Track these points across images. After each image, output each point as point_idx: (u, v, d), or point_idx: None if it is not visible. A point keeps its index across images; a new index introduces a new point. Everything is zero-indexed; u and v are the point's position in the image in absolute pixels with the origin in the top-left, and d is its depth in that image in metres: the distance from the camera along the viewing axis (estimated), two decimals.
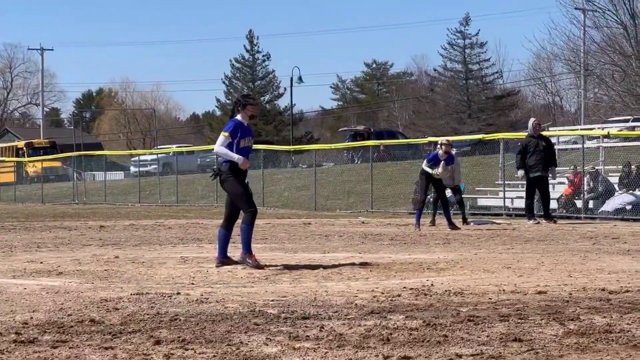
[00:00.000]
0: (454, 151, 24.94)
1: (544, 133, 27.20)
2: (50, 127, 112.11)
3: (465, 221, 24.37)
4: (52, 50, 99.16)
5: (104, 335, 7.73)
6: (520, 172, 25.15)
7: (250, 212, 13.39)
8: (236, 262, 13.22)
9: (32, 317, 8.66)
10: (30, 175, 64.87)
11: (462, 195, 26.82)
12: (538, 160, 24.64)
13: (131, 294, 10.15)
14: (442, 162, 22.81)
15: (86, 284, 11.23)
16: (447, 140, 24.31)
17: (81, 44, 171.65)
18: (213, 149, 13.79)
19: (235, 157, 13.31)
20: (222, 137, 13.49)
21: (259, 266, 13.03)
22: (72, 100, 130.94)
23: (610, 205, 26.75)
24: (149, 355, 6.95)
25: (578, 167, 28.72)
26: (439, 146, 23.59)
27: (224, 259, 13.36)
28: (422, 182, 23.44)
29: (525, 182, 25.46)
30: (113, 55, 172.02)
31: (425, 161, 23.37)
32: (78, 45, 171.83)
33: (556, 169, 25.91)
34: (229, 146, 13.42)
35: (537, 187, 24.91)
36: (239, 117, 13.62)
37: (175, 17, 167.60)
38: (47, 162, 62.67)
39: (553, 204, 26.47)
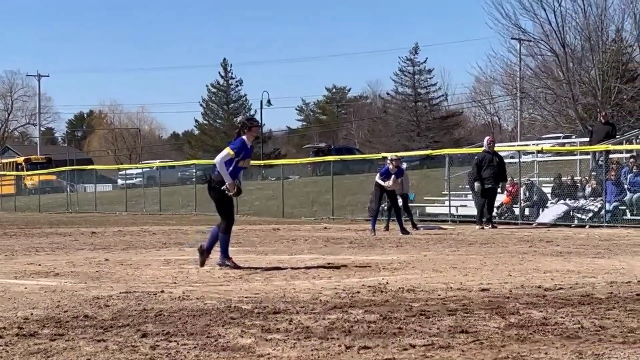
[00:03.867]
0: (404, 165, 24.99)
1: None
2: (47, 145, 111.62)
3: (414, 226, 24.41)
4: (48, 76, 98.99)
5: (97, 329, 7.67)
6: (477, 184, 25.23)
7: (228, 221, 13.29)
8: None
9: (32, 313, 8.59)
10: (28, 187, 64.48)
11: (411, 204, 26.87)
12: (491, 173, 24.78)
13: (120, 293, 10.08)
14: (393, 175, 22.86)
15: (80, 284, 11.15)
16: (397, 156, 24.39)
17: (74, 71, 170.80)
18: (214, 160, 13.35)
19: (228, 180, 13.07)
20: (227, 152, 13.14)
21: (236, 267, 12.98)
22: (65, 120, 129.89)
23: (547, 216, 26.82)
24: (136, 346, 6.90)
25: (515, 179, 28.81)
26: (389, 161, 23.63)
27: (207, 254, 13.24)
28: (376, 193, 23.56)
29: (478, 192, 25.49)
30: (102, 80, 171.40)
31: (378, 174, 23.42)
32: (71, 71, 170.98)
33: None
34: (230, 162, 13.12)
35: (486, 197, 24.99)
36: (244, 137, 13.30)
37: (158, 46, 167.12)
38: (43, 176, 62.34)
39: (494, 212, 26.54)
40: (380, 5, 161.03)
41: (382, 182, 22.93)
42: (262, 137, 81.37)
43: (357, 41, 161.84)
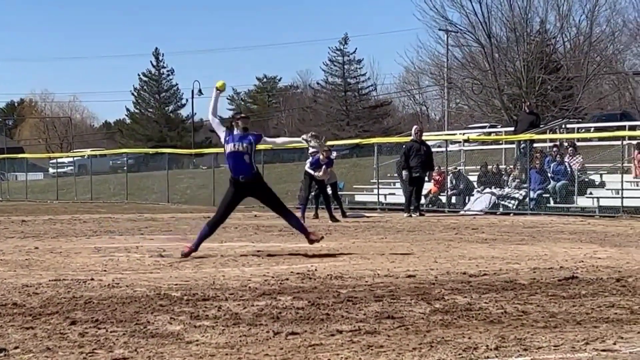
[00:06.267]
0: (334, 154, 25.01)
1: None
2: None
3: (344, 215, 24.45)
4: None
5: (25, 316, 7.58)
6: (405, 173, 25.35)
7: (218, 218, 13.21)
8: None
9: None
10: None
11: (341, 192, 26.90)
12: (418, 162, 24.92)
13: (49, 280, 9.97)
14: (323, 165, 22.86)
15: (9, 272, 11.00)
16: (327, 146, 24.35)
17: (4, 59, 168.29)
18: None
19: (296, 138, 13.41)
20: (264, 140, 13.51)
21: (184, 255, 12.79)
22: None
23: (477, 205, 27.04)
24: (65, 334, 6.83)
25: (442, 168, 29.00)
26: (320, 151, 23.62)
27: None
28: (306, 181, 23.57)
29: (406, 181, 25.62)
30: (33, 69, 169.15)
31: (308, 163, 23.42)
32: (1, 60, 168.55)
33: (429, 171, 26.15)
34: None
35: (414, 185, 25.12)
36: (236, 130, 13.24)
37: (90, 35, 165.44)
38: None
39: (421, 200, 26.71)
40: None
41: (312, 172, 22.93)
42: (193, 126, 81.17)
43: (287, 31, 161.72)
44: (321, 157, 23.00)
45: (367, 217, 24.79)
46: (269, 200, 13.44)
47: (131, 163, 51.28)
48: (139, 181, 45.07)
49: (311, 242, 13.14)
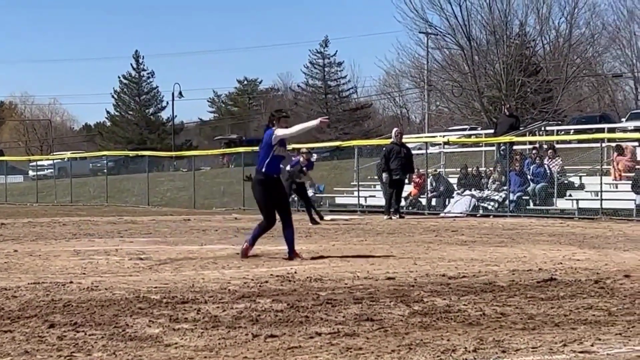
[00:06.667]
0: (314, 157, 25.04)
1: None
2: None
3: (321, 218, 24.31)
4: None
5: (4, 319, 7.55)
6: (385, 175, 25.40)
7: (267, 222, 13.17)
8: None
9: None
10: None
11: (321, 195, 26.91)
12: (398, 165, 24.93)
13: (28, 283, 9.93)
14: (304, 168, 22.86)
15: None
16: (307, 149, 24.39)
17: None
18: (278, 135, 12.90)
19: (311, 123, 13.29)
20: (276, 135, 12.89)
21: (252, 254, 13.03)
22: None
23: (457, 207, 27.11)
24: (44, 337, 6.81)
25: (421, 170, 29.06)
26: (300, 154, 23.65)
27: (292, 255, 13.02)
28: (286, 184, 23.46)
29: (386, 183, 25.66)
30: (13, 71, 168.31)
31: (289, 166, 23.35)
32: None
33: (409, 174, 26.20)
34: (268, 151, 12.87)
35: (394, 187, 25.14)
36: (274, 129, 13.01)
37: (69, 38, 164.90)
38: None
39: (402, 202, 26.75)
40: None
41: (291, 173, 22.92)
42: (173, 128, 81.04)
43: (268, 33, 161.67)
44: (301, 159, 23.01)
45: (346, 219, 24.74)
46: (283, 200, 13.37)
47: (111, 166, 51.24)
48: (119, 184, 44.98)
49: (290, 259, 12.99)
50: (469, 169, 28.84)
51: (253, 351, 6.30)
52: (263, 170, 12.94)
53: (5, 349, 6.39)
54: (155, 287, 9.61)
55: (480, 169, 29.42)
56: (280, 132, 12.89)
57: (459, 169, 29.71)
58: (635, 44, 62.93)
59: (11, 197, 45.34)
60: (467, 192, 27.53)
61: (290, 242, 13.09)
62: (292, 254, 12.95)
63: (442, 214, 27.09)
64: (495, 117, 43.39)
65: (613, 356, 6.15)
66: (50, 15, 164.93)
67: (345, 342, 6.55)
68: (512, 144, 28.18)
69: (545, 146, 28.64)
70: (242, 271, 11.26)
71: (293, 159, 23.55)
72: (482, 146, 33.65)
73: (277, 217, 13.16)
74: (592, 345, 6.45)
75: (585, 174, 27.49)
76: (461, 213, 26.54)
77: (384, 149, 26.24)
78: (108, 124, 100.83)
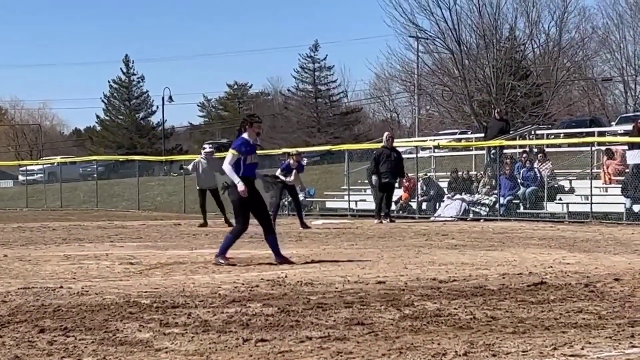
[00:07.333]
0: (305, 161, 25.03)
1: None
2: None
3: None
4: None
5: None
6: (374, 178, 25.43)
7: (241, 225, 12.99)
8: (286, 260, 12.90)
9: None
10: None
11: (312, 199, 26.86)
12: (388, 169, 24.91)
13: (18, 288, 9.91)
14: (294, 170, 22.88)
15: None
16: (297, 151, 24.38)
17: None
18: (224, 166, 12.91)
19: (237, 180, 12.68)
20: (231, 155, 12.81)
21: (229, 263, 12.68)
22: None
23: (448, 211, 27.14)
24: (34, 342, 6.80)
25: (411, 174, 29.07)
26: (290, 157, 23.66)
27: (280, 259, 12.96)
28: (277, 188, 23.45)
29: (376, 187, 25.68)
30: (2, 76, 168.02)
31: (279, 170, 23.40)
32: None
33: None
34: (237, 163, 12.77)
35: (384, 191, 25.14)
36: (245, 135, 13.00)
37: (59, 42, 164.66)
38: None
39: (392, 207, 26.75)
40: (280, 2, 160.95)
41: (282, 177, 22.93)
42: (164, 133, 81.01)
43: (258, 38, 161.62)
44: (291, 161, 23.04)
45: (337, 223, 24.74)
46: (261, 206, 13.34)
47: (101, 170, 51.15)
48: (109, 188, 44.92)
49: (280, 263, 12.86)
50: (459, 173, 28.86)
51: (244, 355, 6.30)
52: (240, 174, 12.91)
53: None
54: (146, 292, 9.60)
55: (470, 172, 29.44)
56: (226, 165, 12.82)
57: (449, 173, 29.73)
58: (625, 48, 63.14)
59: (1, 202, 45.30)
60: (458, 196, 27.56)
61: (274, 246, 13.06)
62: (280, 258, 12.93)
63: (432, 218, 27.11)
64: (486, 121, 43.48)
65: (603, 359, 6.17)
66: (39, 19, 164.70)
67: (335, 346, 6.56)
68: (502, 147, 28.21)
69: (535, 150, 28.67)
70: (233, 275, 11.25)
71: (284, 162, 23.53)
72: (472, 150, 33.69)
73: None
74: (582, 349, 6.46)
75: (575, 178, 27.53)
76: (452, 217, 26.56)
77: (374, 152, 26.26)
78: (98, 128, 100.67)
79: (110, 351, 6.46)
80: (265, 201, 13.52)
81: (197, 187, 24.39)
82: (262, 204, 13.38)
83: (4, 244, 17.41)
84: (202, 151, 24.86)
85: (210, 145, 25.94)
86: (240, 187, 12.70)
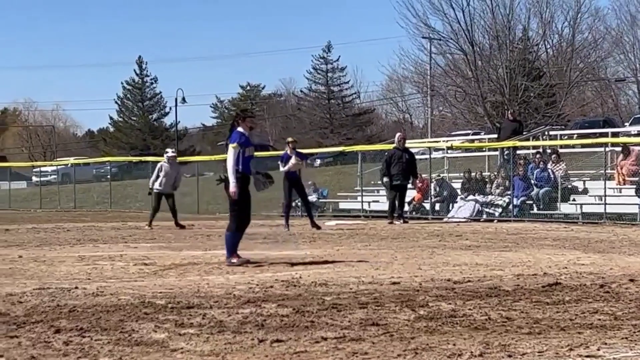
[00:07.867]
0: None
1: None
2: None
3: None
4: None
5: (10, 325, 7.55)
6: (386, 179, 25.43)
7: (239, 222, 13.01)
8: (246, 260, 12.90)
9: None
10: None
11: (325, 200, 26.76)
12: (400, 170, 24.88)
13: (33, 289, 9.93)
14: (293, 156, 22.42)
15: None
16: (292, 139, 23.88)
17: None
18: (227, 162, 12.94)
19: (233, 181, 12.77)
20: (232, 149, 12.84)
21: (242, 262, 12.72)
22: None
23: (461, 212, 27.10)
24: (50, 342, 6.81)
25: (425, 175, 29.04)
26: (286, 144, 23.24)
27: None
28: (285, 187, 23.00)
29: (388, 188, 25.68)
30: (17, 77, 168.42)
31: (281, 165, 22.97)
32: None
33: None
34: (238, 157, 12.83)
35: (397, 193, 25.11)
36: (240, 129, 13.08)
37: (72, 44, 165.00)
38: None
39: (405, 207, 26.73)
40: (292, 3, 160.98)
41: (285, 168, 22.51)
42: (177, 134, 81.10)
43: (271, 39, 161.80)
44: (288, 149, 22.65)
45: (332, 226, 24.56)
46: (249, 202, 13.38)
47: (115, 171, 51.21)
48: (123, 189, 44.98)
49: (228, 263, 12.83)
50: (473, 174, 28.83)
51: (259, 356, 6.30)
52: (239, 169, 12.94)
53: (11, 354, 6.39)
54: (161, 292, 9.61)
55: (483, 173, 29.40)
56: (231, 164, 12.82)
57: (462, 174, 29.69)
58: (639, 49, 62.93)
59: (15, 203, 45.35)
60: (471, 197, 27.52)
61: (227, 245, 13.09)
62: (230, 256, 12.90)
63: (445, 219, 27.08)
64: (499, 121, 43.39)
65: None
66: (53, 21, 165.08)
67: (351, 347, 6.55)
68: (515, 148, 28.17)
69: (548, 151, 28.62)
70: (247, 276, 11.25)
71: (282, 154, 23.14)
72: (485, 151, 33.63)
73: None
74: (598, 350, 6.45)
75: (589, 179, 27.48)
76: (465, 218, 26.52)
77: (386, 153, 26.23)
78: (111, 129, 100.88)
79: (126, 352, 6.47)
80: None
81: (155, 191, 24.32)
82: (249, 202, 13.36)
83: (19, 245, 17.45)
84: (165, 155, 24.82)
85: (173, 150, 26.02)
86: (232, 188, 12.79)
